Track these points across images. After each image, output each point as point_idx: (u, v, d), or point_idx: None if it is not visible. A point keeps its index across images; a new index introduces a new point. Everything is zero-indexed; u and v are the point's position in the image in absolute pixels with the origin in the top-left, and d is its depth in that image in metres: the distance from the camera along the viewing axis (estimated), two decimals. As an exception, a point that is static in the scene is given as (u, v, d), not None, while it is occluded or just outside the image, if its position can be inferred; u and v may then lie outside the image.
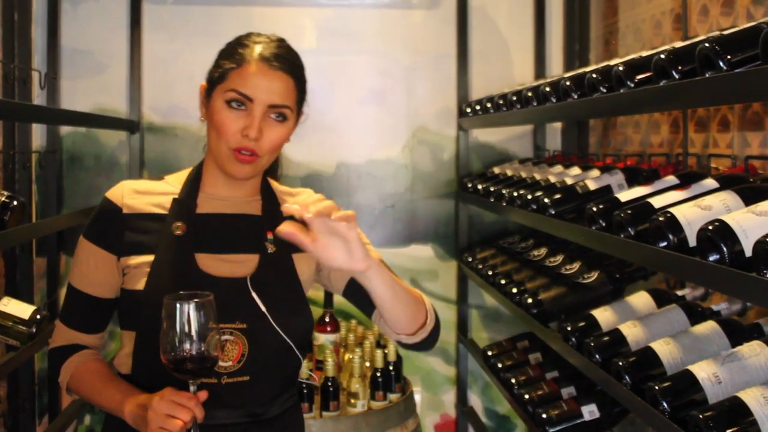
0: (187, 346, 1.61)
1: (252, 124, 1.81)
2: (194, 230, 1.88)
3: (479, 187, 3.59)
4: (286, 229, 1.58)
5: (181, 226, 1.87)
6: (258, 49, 1.85)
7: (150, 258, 1.84)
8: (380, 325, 1.89)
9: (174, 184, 1.96)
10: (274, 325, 1.82)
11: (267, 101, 1.82)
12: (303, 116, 1.96)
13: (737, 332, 2.04)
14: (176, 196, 1.92)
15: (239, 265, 1.87)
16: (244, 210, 1.94)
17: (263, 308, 1.82)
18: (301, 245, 1.59)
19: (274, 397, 1.88)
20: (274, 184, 2.04)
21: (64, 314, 1.96)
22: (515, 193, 2.98)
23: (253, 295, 1.82)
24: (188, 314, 1.61)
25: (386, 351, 3.31)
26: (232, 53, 1.87)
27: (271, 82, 1.83)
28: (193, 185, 1.94)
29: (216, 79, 1.87)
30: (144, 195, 1.92)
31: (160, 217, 1.89)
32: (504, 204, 3.13)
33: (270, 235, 1.90)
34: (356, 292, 1.89)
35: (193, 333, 1.61)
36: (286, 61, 1.86)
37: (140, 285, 1.83)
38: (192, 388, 1.66)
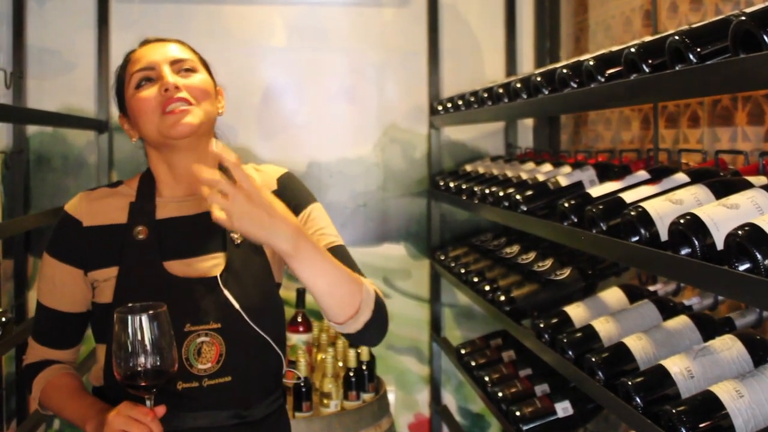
0: (141, 360, 1.55)
1: (164, 79, 1.81)
2: (157, 236, 1.83)
3: (451, 184, 3.58)
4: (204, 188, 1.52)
5: (143, 230, 1.83)
6: (135, 48, 1.94)
7: (116, 269, 1.81)
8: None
9: (132, 188, 1.92)
10: (249, 321, 1.78)
11: (167, 59, 1.85)
12: (223, 91, 1.97)
13: (709, 326, 2.05)
14: (133, 200, 1.88)
15: (207, 265, 1.83)
16: (204, 207, 1.85)
17: (237, 305, 1.78)
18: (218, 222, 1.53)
19: (259, 397, 1.84)
20: None
21: (36, 331, 1.93)
22: (487, 191, 2.97)
23: (225, 293, 1.78)
24: (141, 327, 1.55)
25: (359, 351, 3.29)
26: (119, 67, 1.95)
27: (163, 47, 1.89)
28: (148, 190, 1.90)
29: (120, 87, 1.91)
30: (103, 205, 1.88)
31: (121, 227, 1.85)
32: (476, 201, 3.12)
33: None
34: None
35: (147, 346, 1.55)
36: (165, 38, 1.94)
37: (109, 298, 1.80)
38: (148, 403, 1.61)
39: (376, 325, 1.74)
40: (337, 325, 1.71)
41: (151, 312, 1.56)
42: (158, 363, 1.56)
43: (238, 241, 1.85)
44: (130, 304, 1.59)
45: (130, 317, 1.55)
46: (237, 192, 1.51)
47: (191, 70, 1.87)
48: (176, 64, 1.85)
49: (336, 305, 1.68)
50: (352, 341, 1.77)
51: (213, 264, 1.83)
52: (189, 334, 1.74)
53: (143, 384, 1.57)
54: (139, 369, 1.55)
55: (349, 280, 1.69)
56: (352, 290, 1.69)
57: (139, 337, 1.55)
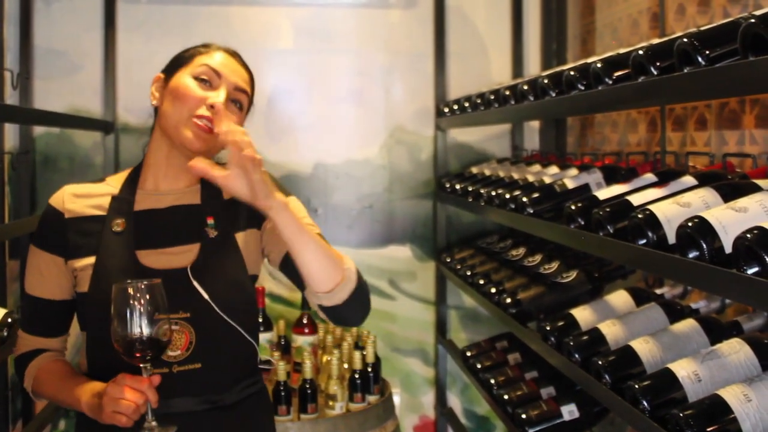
0: (137, 330, 1.63)
1: (219, 95, 1.86)
2: (134, 227, 1.89)
3: (457, 187, 3.58)
4: (197, 164, 1.66)
5: (121, 222, 1.90)
6: (220, 46, 1.99)
7: (93, 259, 1.87)
8: (307, 296, 1.85)
9: (114, 184, 1.99)
10: (218, 310, 1.83)
11: (234, 81, 1.92)
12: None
13: (716, 330, 2.04)
14: (115, 194, 1.95)
15: (180, 256, 1.89)
16: (182, 201, 1.96)
17: (206, 296, 1.83)
18: (212, 179, 1.67)
19: (229, 383, 1.88)
20: None
21: (24, 322, 1.98)
22: (493, 193, 2.96)
23: (195, 284, 1.83)
24: (138, 297, 1.63)
25: (365, 353, 3.29)
26: (196, 46, 1.99)
27: (237, 67, 1.96)
28: (131, 183, 1.97)
29: (182, 61, 1.95)
30: (84, 198, 1.94)
31: (100, 219, 1.91)
32: (482, 204, 3.12)
33: (210, 221, 1.93)
34: (292, 266, 1.84)
35: (144, 316, 1.63)
36: (244, 61, 2.01)
37: (86, 287, 1.86)
38: (145, 372, 1.67)
39: (360, 299, 1.81)
40: (322, 295, 1.76)
41: (146, 283, 1.65)
42: (153, 333, 1.64)
43: (213, 235, 1.91)
44: (128, 280, 1.67)
45: (127, 287, 1.64)
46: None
47: (239, 107, 1.95)
48: (235, 93, 1.92)
49: (322, 270, 1.74)
50: (334, 318, 1.83)
51: (186, 255, 1.89)
52: (158, 322, 1.77)
53: (140, 352, 1.64)
54: (135, 338, 1.63)
55: (331, 249, 1.78)
56: (335, 259, 1.77)
57: (137, 308, 1.63)
